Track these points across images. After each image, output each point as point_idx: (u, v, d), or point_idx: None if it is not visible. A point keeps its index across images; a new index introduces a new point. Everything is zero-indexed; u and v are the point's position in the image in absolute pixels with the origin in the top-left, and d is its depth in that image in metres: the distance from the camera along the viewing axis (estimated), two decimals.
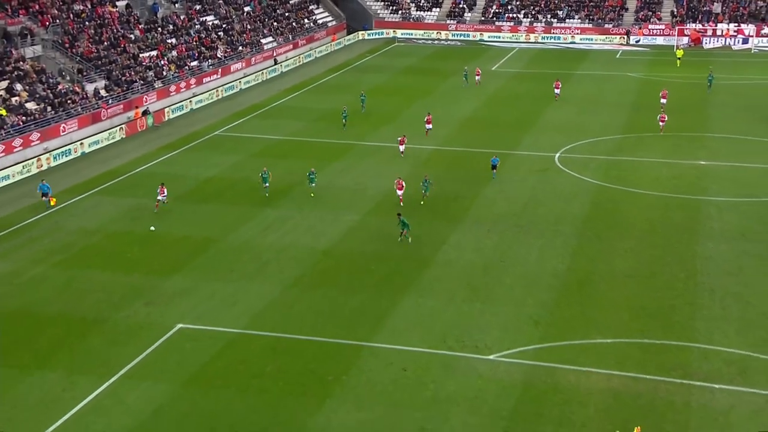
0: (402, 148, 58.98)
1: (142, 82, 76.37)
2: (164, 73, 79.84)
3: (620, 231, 46.44)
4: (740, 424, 29.14)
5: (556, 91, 75.44)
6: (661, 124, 62.71)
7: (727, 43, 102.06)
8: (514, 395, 31.02)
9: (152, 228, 47.20)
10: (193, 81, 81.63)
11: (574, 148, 61.90)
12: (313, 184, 51.73)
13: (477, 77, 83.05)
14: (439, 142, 63.96)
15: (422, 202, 49.46)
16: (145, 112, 72.19)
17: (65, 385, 32.50)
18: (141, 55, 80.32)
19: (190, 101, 78.01)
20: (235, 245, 45.68)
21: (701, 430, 28.92)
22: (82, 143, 64.43)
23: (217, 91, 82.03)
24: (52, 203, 51.66)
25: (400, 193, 49.57)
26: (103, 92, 72.15)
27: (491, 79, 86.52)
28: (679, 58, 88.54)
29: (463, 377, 32.31)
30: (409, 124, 69.74)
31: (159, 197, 50.22)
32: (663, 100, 69.53)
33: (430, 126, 64.73)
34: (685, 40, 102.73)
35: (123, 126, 69.05)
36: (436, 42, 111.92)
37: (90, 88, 71.69)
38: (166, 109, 74.73)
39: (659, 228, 46.68)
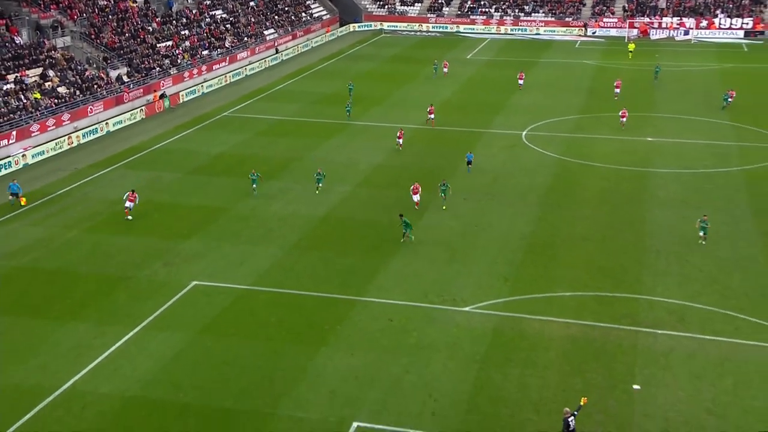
0: (400, 141, 55.28)
1: (159, 69, 75.53)
2: (179, 61, 78.97)
3: (578, 199, 46.50)
4: (678, 364, 29.46)
5: (520, 81, 73.83)
6: (622, 120, 59.30)
7: (671, 35, 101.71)
8: (486, 342, 31.20)
9: (129, 218, 43.35)
10: (204, 68, 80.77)
11: (539, 126, 61.75)
12: (320, 184, 47.56)
13: (445, 69, 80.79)
14: (422, 122, 63.63)
15: (444, 207, 44.22)
16: (162, 96, 71.50)
17: (96, 334, 32.48)
18: (158, 45, 79.41)
19: (202, 86, 77.25)
20: (243, 213, 45.49)
21: (645, 369, 29.20)
22: (107, 123, 63.85)
23: (225, 77, 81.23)
24: (22, 203, 46.46)
25: (416, 198, 44.19)
26: (125, 78, 71.34)
27: (466, 67, 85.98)
28: (631, 51, 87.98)
29: (442, 327, 32.45)
30: (395, 106, 69.55)
31: (127, 204, 43.58)
32: (617, 90, 68.50)
33: (432, 116, 61.78)
34: (635, 32, 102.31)
35: (143, 108, 68.40)
36: (418, 33, 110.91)
37: (113, 74, 70.93)
38: (181, 93, 73.98)
39: (612, 197, 46.75)
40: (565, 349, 30.61)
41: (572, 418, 23.51)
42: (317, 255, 39.66)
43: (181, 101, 73.21)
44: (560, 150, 55.62)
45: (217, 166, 54.16)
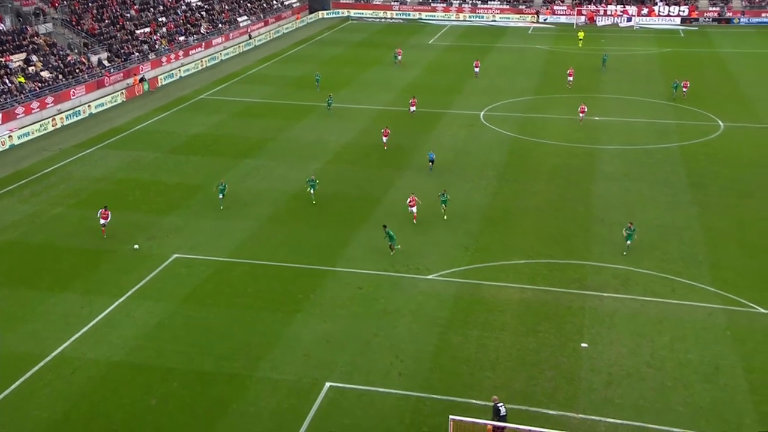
0: (385, 139, 50.63)
1: (138, 54, 74.00)
2: (157, 46, 77.42)
3: (532, 174, 46.83)
4: (622, 323, 30.04)
5: (476, 69, 71.69)
6: (581, 115, 55.89)
7: (615, 22, 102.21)
8: (448, 307, 31.47)
9: (136, 246, 36.98)
10: (181, 53, 79.28)
11: (496, 107, 61.90)
12: (313, 191, 41.99)
13: (399, 57, 78.38)
14: (386, 103, 63.41)
15: (445, 217, 39.42)
16: (142, 80, 70.15)
17: (83, 303, 32.13)
18: (136, 31, 77.72)
19: (179, 70, 75.91)
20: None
21: (592, 328, 29.72)
22: (89, 105, 62.55)
23: (201, 61, 79.88)
24: None
25: (413, 210, 38.81)
26: (105, 62, 69.80)
27: (427, 51, 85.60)
28: (581, 39, 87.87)
29: (408, 294, 32.64)
30: (362, 88, 69.06)
31: (102, 221, 37.88)
32: (570, 78, 67.53)
33: (414, 108, 58.09)
34: (583, 18, 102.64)
35: (123, 91, 67.05)
36: (383, 20, 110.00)
37: (94, 59, 69.34)
38: (159, 77, 72.65)
39: (563, 171, 47.17)
40: (520, 312, 31.01)
41: (502, 405, 22.77)
42: (291, 228, 39.51)
43: (159, 85, 71.92)
44: (515, 129, 55.86)
45: (195, 146, 53.48)
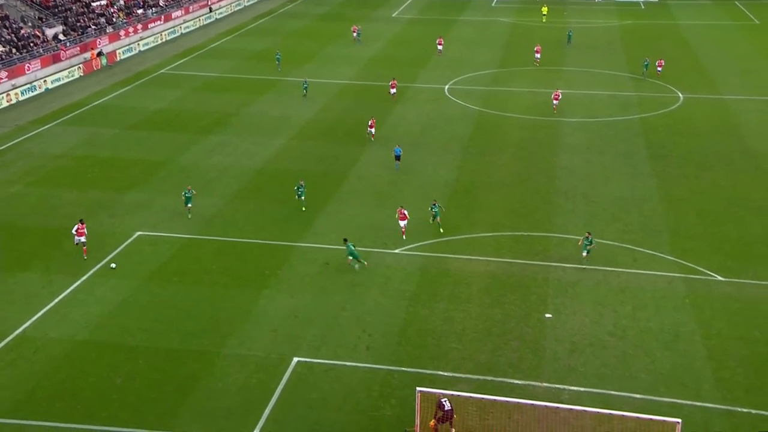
0: (372, 131, 47.29)
1: (95, 27, 72.13)
2: (114, 19, 75.55)
3: (497, 148, 47.10)
4: (585, 293, 30.59)
5: (439, 47, 70.23)
6: (555, 102, 52.62)
7: None
8: (415, 280, 31.68)
9: (113, 265, 32.95)
10: (139, 26, 77.48)
11: (460, 80, 61.92)
12: (303, 198, 38.26)
13: (354, 33, 76.17)
14: (350, 77, 63.01)
15: (441, 230, 35.41)
16: (100, 54, 68.53)
17: (44, 283, 31.62)
18: (93, 4, 75.69)
19: (138, 44, 74.28)
20: (183, 166, 44.49)
21: (556, 298, 30.22)
22: (45, 80, 61.01)
23: (161, 35, 78.26)
24: None
25: (402, 224, 34.99)
26: (61, 36, 67.96)
27: (391, 25, 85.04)
28: (544, 15, 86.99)
29: (375, 267, 32.72)
30: (326, 62, 68.46)
31: (78, 239, 33.30)
32: (537, 55, 66.33)
33: (395, 90, 55.85)
34: None
35: (80, 65, 65.49)
36: None
37: (50, 32, 67.44)
38: (118, 51, 71.05)
39: (527, 145, 47.53)
40: (486, 284, 31.36)
41: (446, 399, 22.51)
42: (256, 204, 39.25)
43: (118, 59, 70.36)
44: (480, 102, 56.01)
45: (156, 122, 52.61)
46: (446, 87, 60.00)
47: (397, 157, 43.04)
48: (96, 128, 51.12)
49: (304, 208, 37.91)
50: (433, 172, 43.16)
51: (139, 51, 73.60)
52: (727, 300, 29.99)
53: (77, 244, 33.21)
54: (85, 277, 31.95)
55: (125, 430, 23.28)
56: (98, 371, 26.04)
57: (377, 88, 59.59)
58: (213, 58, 70.79)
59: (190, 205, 37.27)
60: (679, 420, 20.10)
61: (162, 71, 66.07)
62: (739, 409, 23.90)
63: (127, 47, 72.57)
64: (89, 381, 25.56)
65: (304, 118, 52.66)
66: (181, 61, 69.73)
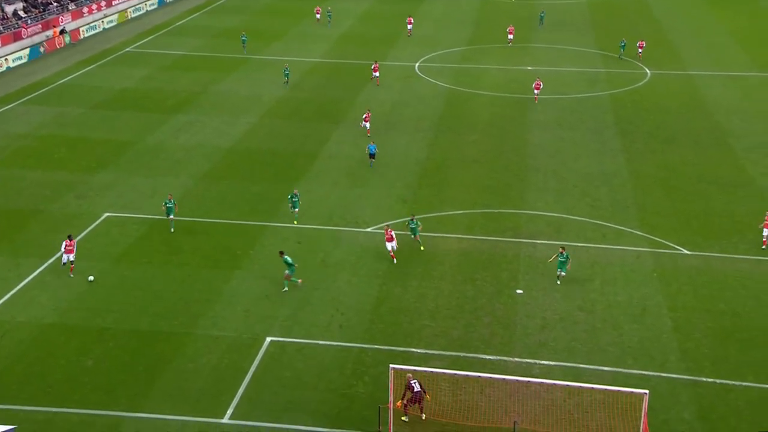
0: (367, 125, 44.66)
1: (56, 4, 70.46)
2: None
3: (468, 125, 47.18)
4: (555, 269, 30.75)
5: (409, 26, 68.97)
6: (536, 92, 50.66)
7: None
8: (387, 259, 31.69)
9: (90, 278, 30.08)
10: (103, 3, 75.89)
11: (430, 58, 61.74)
12: (296, 209, 34.63)
13: (317, 15, 73.69)
14: (321, 55, 62.49)
15: (422, 248, 32.20)
16: (62, 31, 67.00)
17: (10, 266, 31.09)
18: None
19: (102, 21, 72.76)
20: (151, 146, 43.91)
21: (527, 275, 30.50)
22: (6, 59, 59.51)
23: (126, 12, 76.71)
24: None
25: (390, 246, 31.14)
26: (21, 13, 66.28)
27: (360, 2, 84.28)
28: None
29: (347, 247, 32.73)
30: (295, 40, 67.76)
31: (67, 256, 30.10)
32: (510, 36, 65.31)
33: (377, 74, 54.16)
34: None
35: (43, 43, 63.99)
36: None
37: (9, 9, 65.81)
38: (81, 29, 69.52)
39: (498, 122, 47.68)
40: (458, 261, 31.54)
41: (416, 381, 22.49)
42: (226, 184, 38.91)
43: (82, 37, 68.87)
44: (451, 80, 55.95)
45: (123, 101, 51.75)
46: (416, 65, 59.81)
47: (372, 155, 40.27)
48: (61, 108, 50.15)
49: (295, 222, 34.18)
50: (404, 150, 43.13)
51: (104, 29, 72.13)
52: (693, 273, 30.56)
53: (65, 263, 30.03)
54: (52, 260, 31.48)
55: (97, 412, 23.11)
56: (68, 354, 25.77)
57: (348, 66, 59.23)
58: (180, 36, 69.67)
59: (172, 216, 33.72)
60: (647, 391, 20.51)
61: (128, 49, 64.89)
62: (704, 380, 24.45)
63: (91, 25, 71.06)
64: (59, 364, 25.29)
65: (274, 97, 52.20)
66: (147, 39, 68.52)
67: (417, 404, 22.40)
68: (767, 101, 50.76)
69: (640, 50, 60.34)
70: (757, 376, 24.58)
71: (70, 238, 30.37)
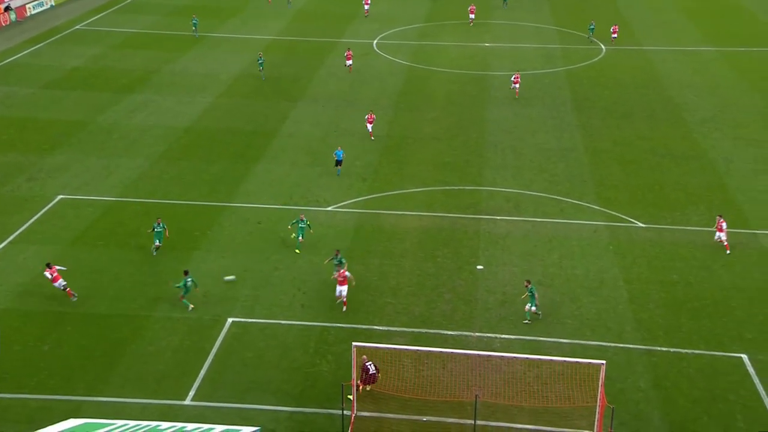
0: (370, 127, 40.94)
1: None
2: None
3: (427, 102, 47.19)
4: (515, 244, 31.30)
5: (366, 6, 66.99)
6: (515, 86, 47.36)
7: None
8: (349, 236, 31.74)
9: (231, 278, 28.45)
10: None
11: (388, 35, 61.44)
12: (302, 238, 30.51)
13: (269, 1, 71.23)
14: (278, 32, 61.67)
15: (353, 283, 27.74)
16: (7, 8, 64.80)
17: None
18: None
19: None
20: (104, 126, 42.98)
21: (487, 251, 30.82)
22: None
23: None
24: None
25: (341, 290, 26.87)
26: None
27: None
28: None
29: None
30: (251, 17, 66.71)
31: (57, 284, 27.13)
32: (471, 15, 64.17)
33: (350, 62, 51.60)
34: None
35: None
36: None
37: None
38: (27, 6, 67.25)
39: (457, 98, 47.78)
40: (419, 239, 31.70)
41: (371, 363, 22.72)
42: (184, 164, 38.35)
43: (28, 14, 66.71)
44: (409, 57, 55.79)
45: (74, 80, 50.44)
46: (374, 42, 59.48)
47: (338, 162, 36.70)
48: (8, 87, 48.69)
49: (298, 251, 30.39)
50: (364, 127, 42.95)
51: (51, 5, 69.97)
52: (647, 245, 31.24)
53: (63, 288, 27.14)
54: (3, 244, 30.76)
55: (55, 397, 22.80)
56: (24, 339, 25.28)
57: (305, 44, 58.64)
58: (132, 13, 68.00)
59: (158, 242, 29.87)
60: (604, 361, 20.99)
61: (77, 27, 63.13)
62: (658, 348, 25.12)
63: (38, 2, 68.80)
64: (14, 350, 24.81)
65: (231, 75, 51.44)
66: (98, 16, 66.74)
67: (371, 385, 22.62)
68: (718, 75, 51.82)
69: (614, 35, 58.81)
70: (708, 343, 25.36)
71: (48, 265, 27.06)
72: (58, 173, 37.09)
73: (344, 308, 26.89)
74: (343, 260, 28.32)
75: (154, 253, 30.10)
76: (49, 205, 33.99)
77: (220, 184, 36.16)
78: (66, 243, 31.03)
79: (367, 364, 22.68)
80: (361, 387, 22.73)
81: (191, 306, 26.87)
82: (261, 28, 62.90)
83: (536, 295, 26.29)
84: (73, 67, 52.99)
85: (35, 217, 32.90)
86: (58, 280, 27.12)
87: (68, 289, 27.26)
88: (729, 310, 27.03)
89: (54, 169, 37.56)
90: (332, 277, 27.63)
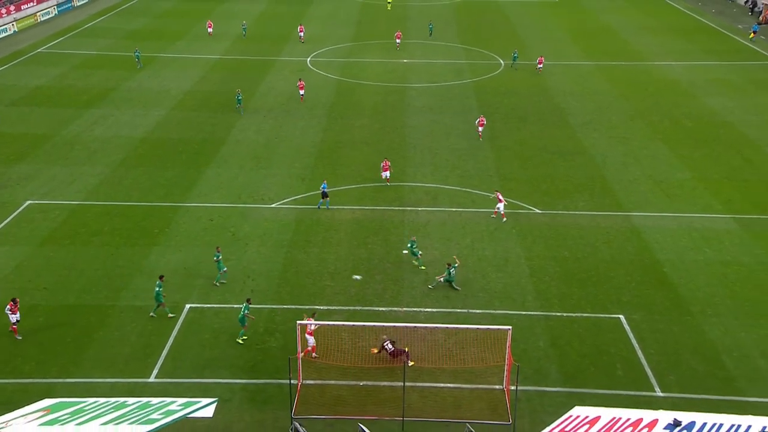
0: (386, 174, 35.60)
1: None
2: None
3: (356, 112, 47.07)
4: (434, 231, 31.64)
5: (301, 34, 63.92)
6: (479, 129, 41.93)
7: None
8: (291, 230, 31.43)
9: (357, 277, 27.34)
10: (12, 8, 69.63)
11: (320, 53, 60.94)
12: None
13: (209, 29, 65.15)
14: (222, 52, 60.30)
15: (423, 267, 28.19)
16: None
17: None
18: None
19: (13, 25, 66.85)
20: (68, 138, 41.15)
21: (411, 237, 31.02)
22: None
23: (35, 16, 70.82)
24: None
25: (308, 343, 22.80)
26: None
27: (257, 4, 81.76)
28: (389, 2, 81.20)
29: (254, 221, 32.13)
30: (197, 39, 64.98)
31: (12, 317, 23.84)
32: (398, 41, 62.17)
33: (303, 92, 47.80)
34: None
35: None
36: None
37: None
38: None
39: (381, 108, 47.84)
40: (352, 229, 31.65)
41: (388, 341, 22.26)
42: (141, 171, 37.12)
43: None
44: (339, 72, 55.51)
45: (38, 98, 48.06)
46: (308, 59, 58.91)
47: (324, 194, 33.00)
48: None
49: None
50: (301, 134, 42.57)
51: (14, 31, 66.36)
52: (543, 228, 32.10)
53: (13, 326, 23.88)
54: None
55: (30, 380, 21.79)
56: None
57: (249, 62, 57.58)
58: (89, 37, 65.17)
59: (162, 304, 25.07)
60: (510, 327, 21.47)
61: (40, 50, 60.10)
62: (554, 314, 25.90)
63: (1, 28, 65.17)
64: None
65: (181, 91, 50.03)
66: (58, 40, 63.68)
67: (399, 358, 22.29)
68: (594, 85, 53.60)
69: (539, 66, 55.20)
70: (594, 307, 26.31)
71: (13, 301, 23.95)
72: (26, 181, 35.32)
73: (314, 353, 22.50)
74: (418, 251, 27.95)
75: (152, 314, 25.02)
76: (19, 210, 32.36)
77: (174, 187, 35.18)
78: (35, 243, 29.61)
79: (385, 344, 22.50)
80: (375, 352, 22.59)
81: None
82: (207, 48, 61.38)
83: (452, 273, 26.70)
84: (36, 86, 50.47)
85: (6, 221, 31.29)
86: (14, 311, 23.71)
87: (14, 327, 23.67)
88: (609, 279, 28.09)
89: (22, 177, 35.74)
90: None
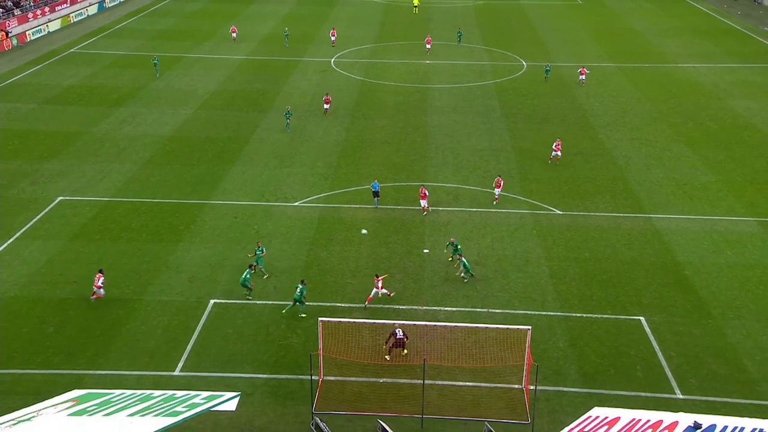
0: (424, 203, 32.63)
1: (2, 9, 65.37)
2: (21, 2, 68.64)
3: (378, 111, 47.05)
4: (455, 231, 31.46)
5: (332, 38, 62.99)
6: (557, 152, 38.18)
7: None
8: (313, 228, 31.51)
9: (364, 231, 28.71)
10: (47, 9, 70.87)
11: (344, 54, 61.02)
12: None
13: (233, 34, 64.38)
14: (247, 53, 60.70)
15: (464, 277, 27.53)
16: (9, 34, 62.28)
17: None
18: None
19: (47, 26, 68.03)
20: (98, 136, 41.74)
21: (431, 237, 30.95)
22: None
23: (69, 17, 71.97)
24: None
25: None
26: None
27: (283, 5, 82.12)
28: (416, 6, 79.80)
29: (278, 219, 32.27)
30: (224, 40, 65.51)
31: (100, 291, 25.58)
32: (428, 45, 60.88)
33: (328, 105, 45.47)
34: None
35: None
36: None
37: None
38: (27, 32, 64.83)
39: (403, 108, 47.75)
40: (374, 228, 31.62)
41: (399, 329, 22.19)
42: (168, 168, 37.51)
43: (28, 40, 64.27)
44: (362, 73, 55.53)
45: (70, 97, 48.83)
46: (332, 60, 59.01)
47: (376, 194, 32.89)
48: (12, 104, 46.88)
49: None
50: (324, 133, 42.66)
51: (49, 32, 67.52)
52: (563, 229, 31.77)
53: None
54: (10, 241, 29.68)
55: (59, 371, 22.14)
56: (30, 323, 24.49)
57: (273, 63, 57.86)
58: (120, 38, 66.05)
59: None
60: (529, 327, 21.30)
61: (72, 50, 61.06)
62: (574, 315, 25.62)
63: (36, 29, 66.36)
64: (22, 331, 24.01)
65: (208, 90, 50.46)
66: (90, 40, 64.65)
67: (400, 348, 22.45)
68: (617, 87, 52.91)
69: (582, 77, 52.25)
70: (614, 308, 25.96)
71: (100, 272, 25.67)
72: (57, 178, 35.90)
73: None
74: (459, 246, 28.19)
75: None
76: (50, 206, 32.89)
77: (200, 185, 35.48)
78: (66, 238, 30.08)
79: (396, 330, 22.55)
80: (386, 348, 22.49)
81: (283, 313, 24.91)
82: (233, 49, 61.81)
83: (466, 264, 27.11)
84: (69, 85, 51.29)
85: (38, 217, 31.81)
86: (99, 285, 25.38)
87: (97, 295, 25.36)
88: (629, 281, 27.71)
89: (54, 174, 36.33)
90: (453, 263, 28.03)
